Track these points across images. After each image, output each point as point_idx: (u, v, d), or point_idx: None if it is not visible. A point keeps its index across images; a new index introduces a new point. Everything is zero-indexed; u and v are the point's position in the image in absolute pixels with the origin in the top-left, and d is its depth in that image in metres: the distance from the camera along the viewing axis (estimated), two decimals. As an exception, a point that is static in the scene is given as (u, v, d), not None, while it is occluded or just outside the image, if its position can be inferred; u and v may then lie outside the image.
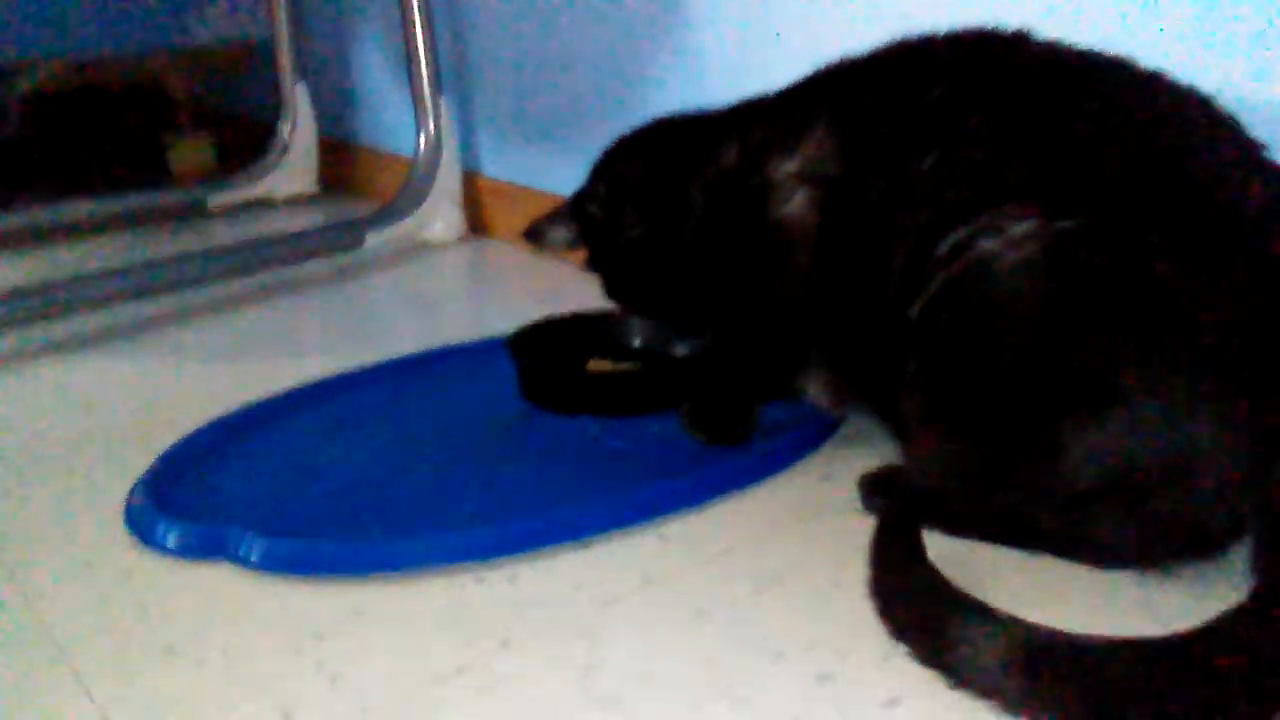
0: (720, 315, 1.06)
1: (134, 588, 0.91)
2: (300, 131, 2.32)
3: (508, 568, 0.90)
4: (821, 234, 0.94)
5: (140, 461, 1.08)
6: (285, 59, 2.28)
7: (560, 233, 1.16)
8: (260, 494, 1.04)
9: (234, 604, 0.88)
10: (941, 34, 0.93)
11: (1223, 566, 0.80)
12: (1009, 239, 0.79)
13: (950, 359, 0.83)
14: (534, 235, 1.18)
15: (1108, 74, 0.86)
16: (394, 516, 0.99)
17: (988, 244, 0.80)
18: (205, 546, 0.94)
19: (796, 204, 0.95)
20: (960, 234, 0.81)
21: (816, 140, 0.94)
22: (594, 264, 1.17)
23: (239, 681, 0.79)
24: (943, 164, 0.84)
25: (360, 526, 0.97)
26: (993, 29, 0.91)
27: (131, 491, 1.03)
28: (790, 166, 0.96)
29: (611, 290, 1.17)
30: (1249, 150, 0.81)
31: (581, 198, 1.15)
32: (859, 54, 0.97)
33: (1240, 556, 0.78)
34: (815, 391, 1.02)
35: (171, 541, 0.95)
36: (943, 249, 0.82)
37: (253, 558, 0.91)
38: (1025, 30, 0.90)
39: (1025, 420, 0.79)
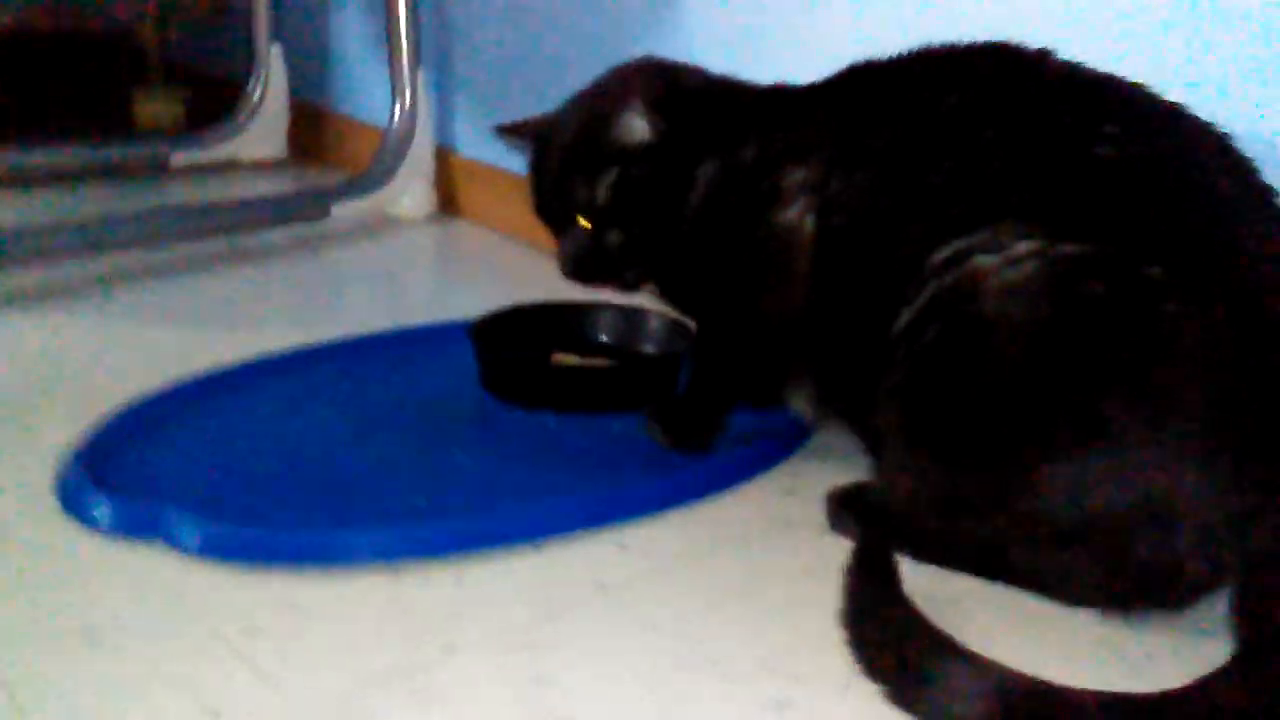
0: (711, 318, 1.02)
1: (58, 564, 0.87)
2: (272, 94, 2.25)
3: (455, 567, 0.86)
4: (820, 241, 0.90)
5: (76, 429, 1.03)
6: (261, 17, 2.21)
7: None
8: (202, 473, 1.00)
9: (164, 589, 0.83)
10: (964, 45, 0.89)
11: (1192, 610, 0.78)
12: (1008, 256, 0.75)
13: (934, 375, 0.80)
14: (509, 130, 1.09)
15: (1129, 100, 0.82)
16: (340, 505, 0.95)
17: (985, 259, 0.76)
18: (139, 525, 0.89)
19: (798, 211, 0.91)
20: (958, 245, 0.78)
21: (826, 148, 0.90)
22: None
23: (162, 674, 0.74)
24: (950, 173, 0.81)
25: (304, 514, 0.93)
26: (1016, 44, 0.88)
27: (65, 460, 0.98)
28: (799, 175, 0.91)
29: (544, 212, 1.04)
30: (1265, 195, 0.78)
31: (618, 115, 0.98)
32: (879, 59, 0.93)
33: (1211, 598, 0.76)
34: (800, 403, 0.98)
35: (103, 518, 0.90)
36: (937, 259, 0.79)
37: (189, 541, 0.87)
38: (1048, 49, 0.87)
39: (1006, 449, 0.76)
